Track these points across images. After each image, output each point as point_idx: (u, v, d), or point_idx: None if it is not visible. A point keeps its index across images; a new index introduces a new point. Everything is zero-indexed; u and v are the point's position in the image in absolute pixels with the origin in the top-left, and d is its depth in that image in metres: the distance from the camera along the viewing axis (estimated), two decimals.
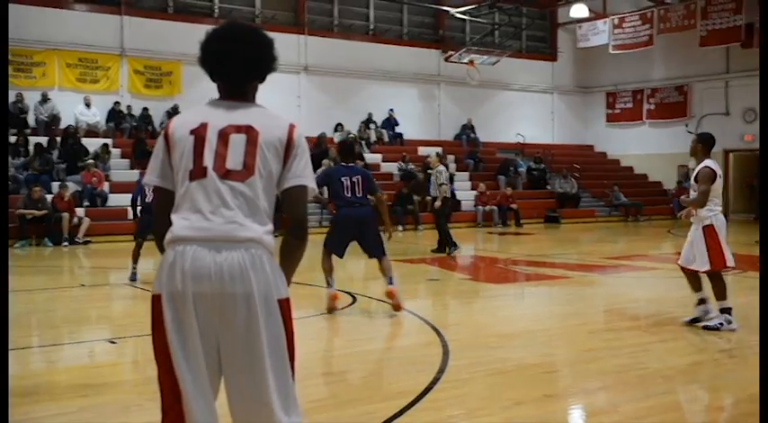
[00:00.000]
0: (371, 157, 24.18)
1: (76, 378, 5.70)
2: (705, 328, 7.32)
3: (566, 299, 9.98)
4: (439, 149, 25.36)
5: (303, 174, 2.72)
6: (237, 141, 2.63)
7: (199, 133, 2.65)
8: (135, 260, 10.87)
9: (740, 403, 5.22)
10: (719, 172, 7.34)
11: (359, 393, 5.32)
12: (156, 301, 2.60)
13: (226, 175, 2.60)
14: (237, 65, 2.70)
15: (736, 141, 26.19)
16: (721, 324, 7.28)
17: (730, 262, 7.37)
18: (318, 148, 22.55)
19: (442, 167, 14.95)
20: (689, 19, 25.61)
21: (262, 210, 2.63)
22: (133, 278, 10.76)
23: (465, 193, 23.82)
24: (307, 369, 5.72)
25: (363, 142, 24.89)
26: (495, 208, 23.17)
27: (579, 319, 8.19)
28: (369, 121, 25.76)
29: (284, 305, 2.63)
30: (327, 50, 25.13)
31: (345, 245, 8.42)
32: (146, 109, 22.01)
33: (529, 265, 13.50)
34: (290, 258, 2.73)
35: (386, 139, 25.83)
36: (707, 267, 7.32)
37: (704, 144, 7.45)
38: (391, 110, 26.14)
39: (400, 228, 20.82)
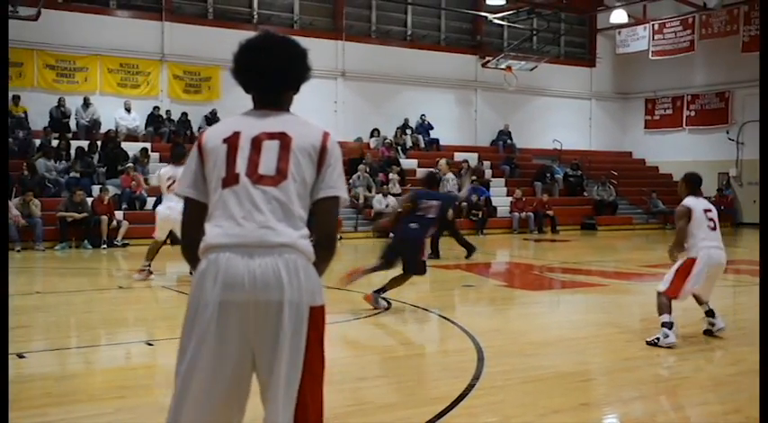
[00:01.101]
0: (407, 163, 24.18)
1: (114, 379, 5.77)
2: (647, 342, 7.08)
3: (602, 307, 9.88)
4: (470, 156, 25.33)
5: (336, 184, 2.68)
6: (270, 147, 2.62)
7: (231, 141, 2.64)
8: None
9: None
10: (702, 206, 7.29)
11: (393, 398, 5.31)
12: (187, 310, 2.61)
13: (258, 180, 2.59)
14: (270, 76, 2.70)
15: None
16: (658, 339, 7.02)
17: (682, 296, 7.19)
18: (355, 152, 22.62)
19: (450, 175, 14.98)
20: (731, 24, 25.26)
21: (296, 215, 2.60)
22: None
23: (501, 200, 23.70)
24: (342, 373, 5.73)
25: (399, 148, 24.92)
26: (531, 214, 23.03)
27: (616, 328, 8.11)
28: (405, 126, 25.78)
29: (316, 313, 2.59)
30: (365, 56, 25.22)
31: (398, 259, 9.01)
32: (185, 114, 22.25)
33: (565, 273, 13.39)
34: (316, 269, 2.66)
35: (421, 144, 25.81)
36: (664, 288, 7.19)
37: (687, 183, 7.50)
38: (423, 115, 26.11)
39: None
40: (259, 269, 2.51)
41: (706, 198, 7.88)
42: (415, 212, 8.94)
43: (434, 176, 10.02)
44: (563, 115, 29.50)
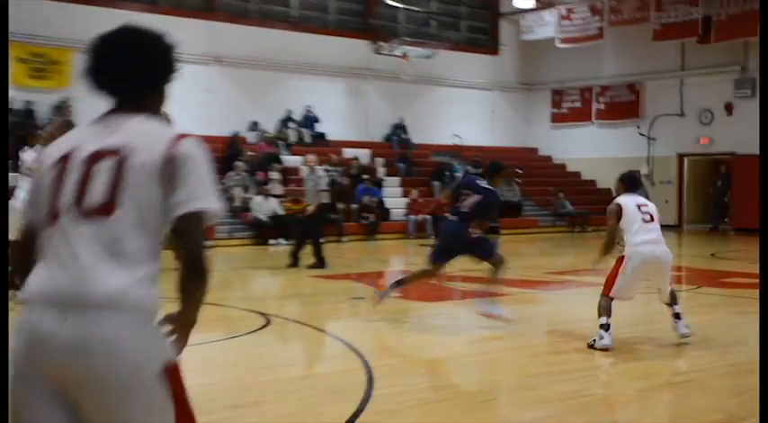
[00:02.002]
0: (291, 160, 24.04)
1: None
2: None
3: None
4: (361, 152, 25.46)
5: (196, 196, 2.44)
6: (103, 169, 2.43)
7: (61, 165, 2.48)
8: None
9: None
10: (636, 202, 7.74)
11: None
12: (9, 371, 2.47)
13: (83, 213, 2.40)
14: (119, 76, 2.57)
15: (691, 145, 26.87)
16: (594, 341, 7.50)
17: (615, 294, 7.63)
18: (231, 149, 22.31)
19: (320, 171, 15.27)
20: (642, 11, 26.21)
21: (132, 252, 2.39)
22: None
23: (396, 201, 23.85)
24: (216, 400, 5.60)
25: (283, 143, 24.75)
26: (428, 217, 23.24)
27: (520, 341, 8.22)
28: (288, 119, 25.62)
29: (164, 376, 2.42)
30: (242, 39, 24.91)
31: (449, 258, 9.30)
32: (29, 102, 21.48)
33: (465, 282, 13.53)
34: (188, 301, 2.52)
35: (307, 139, 25.70)
36: (603, 289, 7.69)
37: (622, 182, 8.07)
38: (309, 106, 26.01)
39: (322, 240, 20.70)
40: (78, 331, 2.32)
41: None
42: (457, 204, 9.10)
43: (499, 166, 9.84)
44: (463, 108, 29.92)
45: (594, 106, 29.74)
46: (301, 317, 9.28)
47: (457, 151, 28.20)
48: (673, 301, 7.85)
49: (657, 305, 10.92)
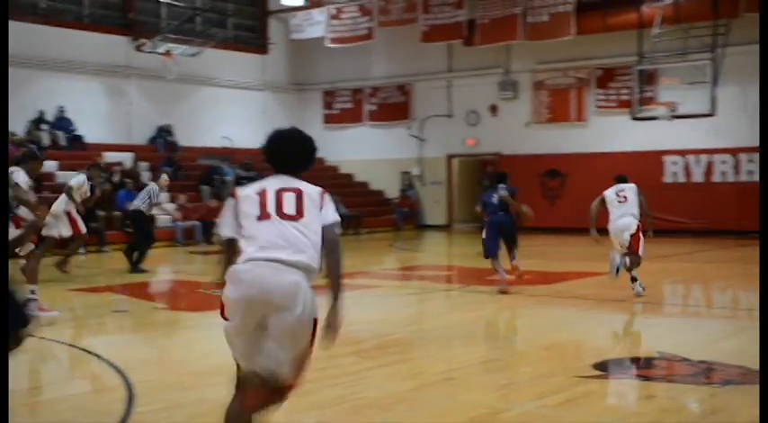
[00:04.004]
0: (45, 165, 22.91)
1: None
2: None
3: None
4: (124, 156, 24.82)
5: (332, 217, 4.48)
6: (289, 197, 4.41)
7: (261, 193, 4.43)
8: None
9: None
10: (616, 190, 11.32)
11: None
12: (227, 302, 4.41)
13: (283, 216, 4.34)
14: (287, 161, 4.64)
15: (459, 146, 28.09)
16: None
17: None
18: None
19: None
20: (410, 12, 27.05)
21: (311, 244, 4.31)
22: None
23: (162, 207, 23.30)
24: None
25: (35, 147, 23.56)
26: (197, 223, 22.94)
27: None
28: (40, 120, 24.45)
29: (314, 323, 4.36)
30: None
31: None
32: None
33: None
34: (336, 291, 4.51)
35: (62, 142, 24.63)
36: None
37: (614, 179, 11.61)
38: (63, 107, 24.95)
39: (82, 250, 19.90)
40: (279, 278, 4.25)
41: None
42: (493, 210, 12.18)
43: (502, 175, 13.18)
44: (233, 108, 29.73)
45: (366, 107, 30.41)
46: (57, 334, 8.90)
47: (227, 154, 27.99)
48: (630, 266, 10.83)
49: (428, 305, 11.40)
